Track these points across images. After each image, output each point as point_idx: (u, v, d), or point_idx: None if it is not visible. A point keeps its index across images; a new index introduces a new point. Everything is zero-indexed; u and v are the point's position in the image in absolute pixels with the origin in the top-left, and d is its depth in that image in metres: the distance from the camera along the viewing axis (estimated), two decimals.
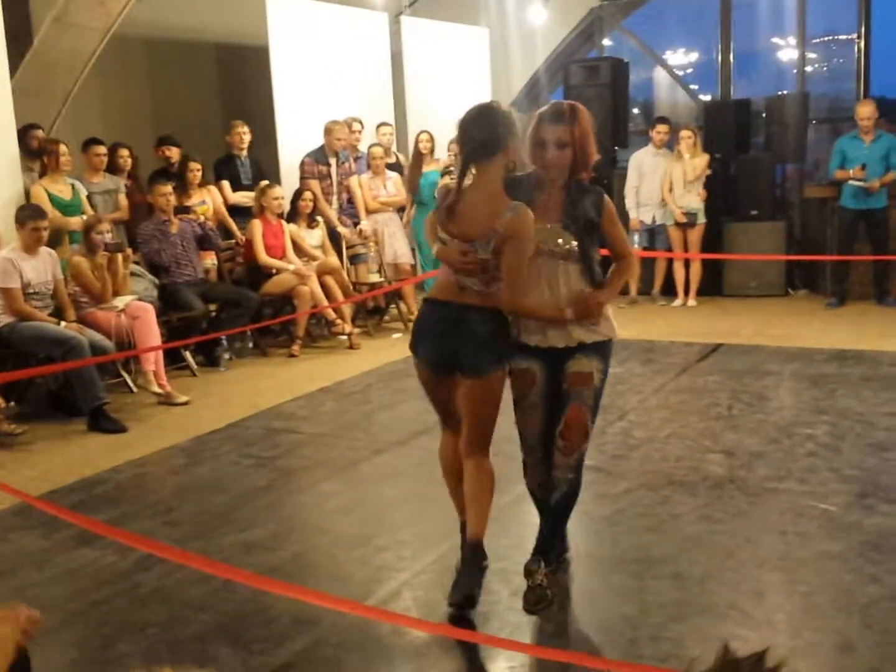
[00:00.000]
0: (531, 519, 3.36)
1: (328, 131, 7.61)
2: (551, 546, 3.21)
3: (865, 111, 7.85)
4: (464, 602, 3.01)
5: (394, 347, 7.08)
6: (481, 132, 2.97)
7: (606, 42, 11.38)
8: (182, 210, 6.85)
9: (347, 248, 7.84)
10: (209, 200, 7.24)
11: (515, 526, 3.66)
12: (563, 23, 10.64)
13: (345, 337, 7.25)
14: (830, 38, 11.31)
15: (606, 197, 3.15)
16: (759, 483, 4.11)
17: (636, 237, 8.55)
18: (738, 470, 4.29)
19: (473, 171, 3.02)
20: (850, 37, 10.59)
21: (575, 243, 3.05)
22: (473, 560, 3.08)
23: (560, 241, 3.05)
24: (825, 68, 11.74)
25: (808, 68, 10.74)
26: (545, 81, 11.14)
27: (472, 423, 3.09)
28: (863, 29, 10.27)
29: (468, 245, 2.96)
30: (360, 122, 8.27)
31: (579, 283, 3.07)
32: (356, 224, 7.88)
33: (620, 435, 4.89)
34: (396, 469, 4.59)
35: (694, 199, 8.24)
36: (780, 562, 3.36)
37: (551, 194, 3.10)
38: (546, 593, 3.08)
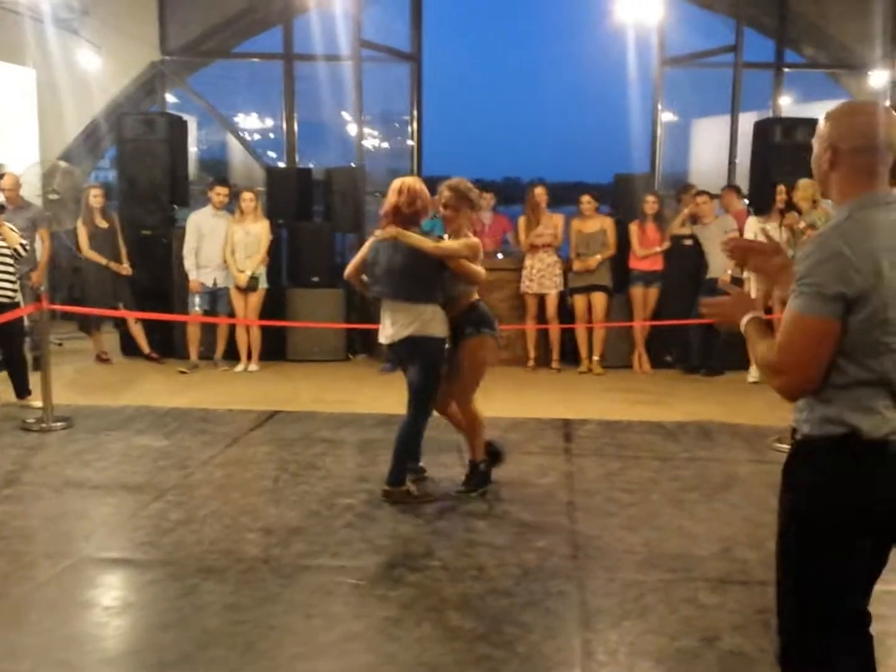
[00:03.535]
0: None
1: None
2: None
3: None
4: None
5: None
6: None
7: (172, 99, 11.06)
8: None
9: None
10: None
11: None
12: (122, 73, 10.14)
13: None
14: (388, 117, 12.07)
15: None
16: (292, 561, 3.95)
17: (197, 300, 8.22)
18: (273, 549, 4.10)
19: None
20: (405, 118, 11.40)
21: None
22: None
23: None
24: (385, 145, 12.49)
25: (368, 144, 11.32)
26: (104, 132, 10.50)
27: None
28: (415, 112, 11.10)
29: None
30: None
31: None
32: None
33: (155, 518, 4.48)
34: None
35: (255, 264, 8.14)
36: (302, 648, 3.19)
37: None
38: None
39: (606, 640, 3.25)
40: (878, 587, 2.24)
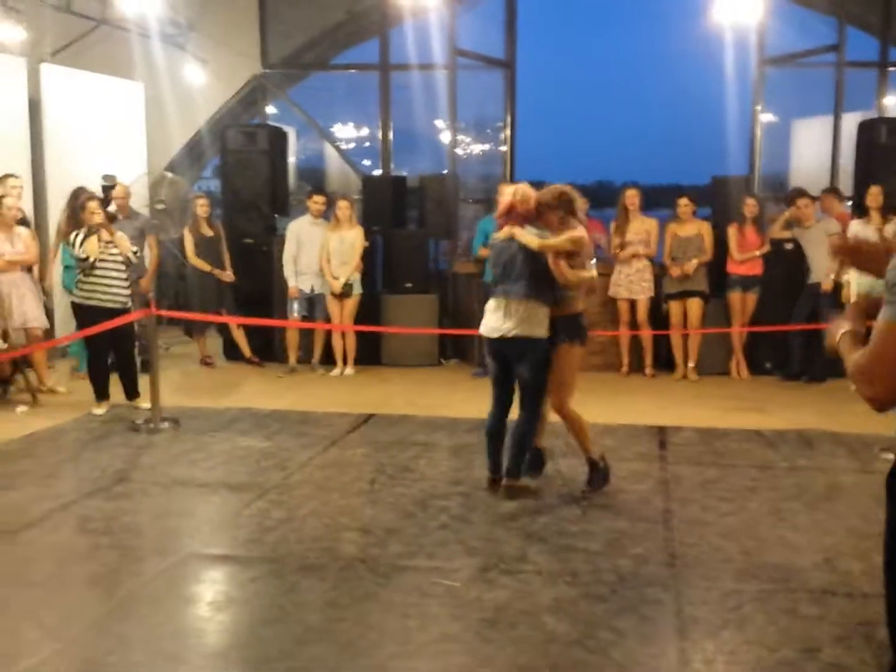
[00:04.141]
0: None
1: None
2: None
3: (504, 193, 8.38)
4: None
5: (13, 423, 6.33)
6: None
7: (272, 110, 11.37)
8: None
9: None
10: None
11: None
12: (225, 86, 10.50)
13: None
14: (481, 124, 12.13)
15: None
16: (390, 561, 4.03)
17: (295, 305, 8.44)
18: (371, 548, 4.19)
19: None
20: (498, 124, 11.44)
21: None
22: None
23: None
24: (478, 151, 12.56)
25: (460, 151, 11.40)
26: (208, 143, 10.87)
27: None
28: (509, 118, 11.12)
29: None
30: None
31: None
32: None
33: (258, 516, 4.63)
34: None
35: (350, 270, 8.30)
36: (399, 647, 3.26)
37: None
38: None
39: (703, 650, 3.22)
40: None
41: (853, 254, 2.39)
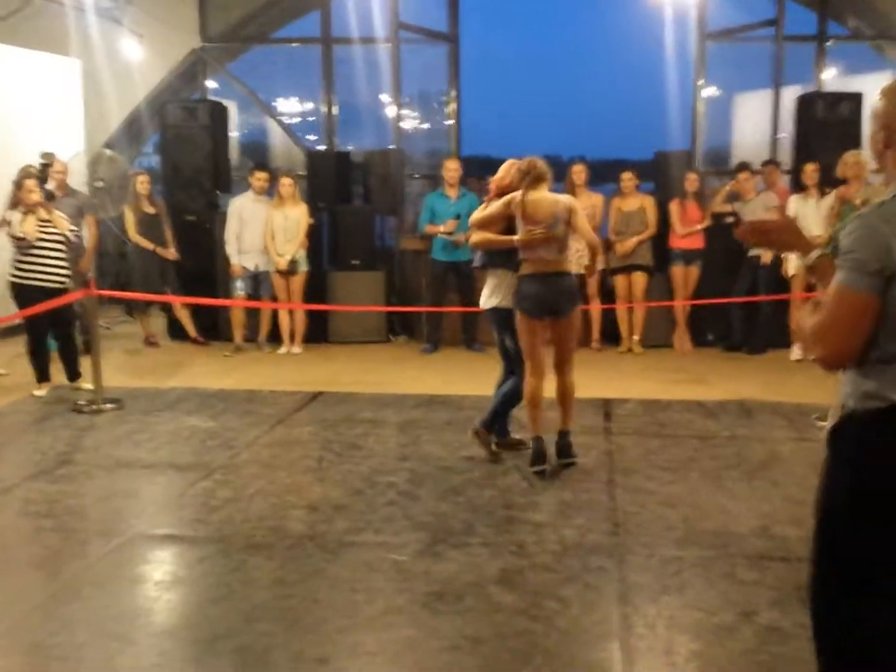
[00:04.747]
0: None
1: None
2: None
3: (451, 168, 8.39)
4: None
5: None
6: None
7: (213, 84, 11.17)
8: None
9: None
10: None
11: None
12: (163, 61, 10.28)
13: None
14: (426, 98, 12.05)
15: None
16: (337, 538, 4.05)
17: (239, 284, 8.36)
18: (318, 525, 4.21)
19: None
20: (443, 99, 11.40)
21: None
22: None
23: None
24: (424, 126, 12.50)
25: (406, 126, 11.34)
26: (147, 119, 10.66)
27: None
28: (453, 93, 11.09)
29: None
30: None
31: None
32: None
33: (204, 496, 4.61)
34: None
35: (295, 248, 8.24)
36: (347, 622, 3.28)
37: None
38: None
39: (645, 615, 3.30)
40: None
41: (759, 236, 2.44)
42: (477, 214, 5.11)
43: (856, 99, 8.47)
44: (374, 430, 5.84)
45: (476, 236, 5.06)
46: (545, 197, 4.88)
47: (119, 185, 8.01)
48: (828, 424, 2.23)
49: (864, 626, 2.18)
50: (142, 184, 8.43)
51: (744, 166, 8.31)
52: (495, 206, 4.98)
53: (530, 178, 4.86)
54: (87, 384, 6.56)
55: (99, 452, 5.39)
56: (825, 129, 8.43)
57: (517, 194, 4.86)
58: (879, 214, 2.08)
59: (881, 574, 2.18)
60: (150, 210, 8.50)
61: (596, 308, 8.33)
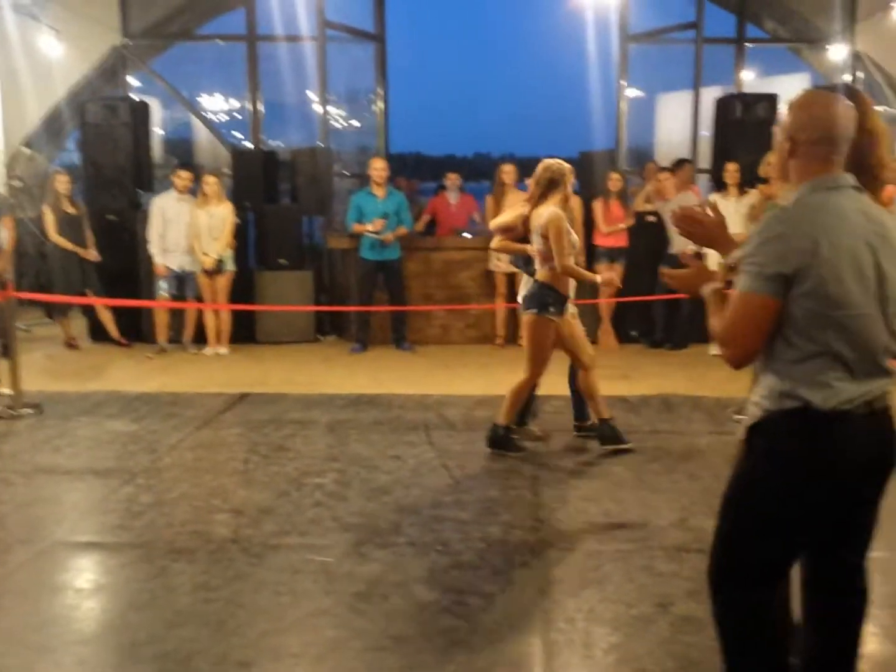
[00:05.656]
0: None
1: None
2: None
3: (378, 167, 8.39)
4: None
5: None
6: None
7: (135, 82, 10.97)
8: None
9: None
10: None
11: None
12: (83, 58, 10.06)
13: None
14: (354, 97, 12.03)
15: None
16: (262, 541, 4.03)
17: (163, 284, 8.23)
18: (243, 529, 4.18)
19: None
20: (371, 97, 11.38)
21: None
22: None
23: None
24: (352, 124, 12.46)
25: (335, 124, 11.30)
26: (67, 117, 10.42)
27: None
28: (381, 91, 11.09)
29: None
30: None
31: None
32: None
33: (126, 501, 4.54)
34: None
35: (221, 247, 8.15)
36: (271, 625, 3.28)
37: None
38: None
39: (565, 609, 3.37)
40: None
41: (690, 224, 2.52)
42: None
43: (771, 100, 8.73)
44: (301, 430, 5.82)
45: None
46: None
47: (38, 185, 7.83)
48: (744, 420, 2.33)
49: (763, 614, 2.28)
50: (61, 183, 8.24)
51: (657, 167, 8.52)
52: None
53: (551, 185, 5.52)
54: (5, 388, 6.40)
55: (17, 459, 5.26)
56: (742, 129, 8.66)
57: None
58: (780, 220, 2.17)
59: (784, 568, 2.29)
60: (71, 210, 8.31)
61: (501, 307, 8.43)
